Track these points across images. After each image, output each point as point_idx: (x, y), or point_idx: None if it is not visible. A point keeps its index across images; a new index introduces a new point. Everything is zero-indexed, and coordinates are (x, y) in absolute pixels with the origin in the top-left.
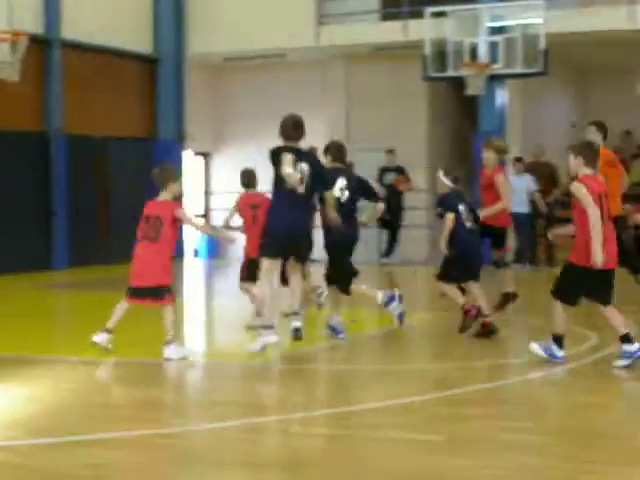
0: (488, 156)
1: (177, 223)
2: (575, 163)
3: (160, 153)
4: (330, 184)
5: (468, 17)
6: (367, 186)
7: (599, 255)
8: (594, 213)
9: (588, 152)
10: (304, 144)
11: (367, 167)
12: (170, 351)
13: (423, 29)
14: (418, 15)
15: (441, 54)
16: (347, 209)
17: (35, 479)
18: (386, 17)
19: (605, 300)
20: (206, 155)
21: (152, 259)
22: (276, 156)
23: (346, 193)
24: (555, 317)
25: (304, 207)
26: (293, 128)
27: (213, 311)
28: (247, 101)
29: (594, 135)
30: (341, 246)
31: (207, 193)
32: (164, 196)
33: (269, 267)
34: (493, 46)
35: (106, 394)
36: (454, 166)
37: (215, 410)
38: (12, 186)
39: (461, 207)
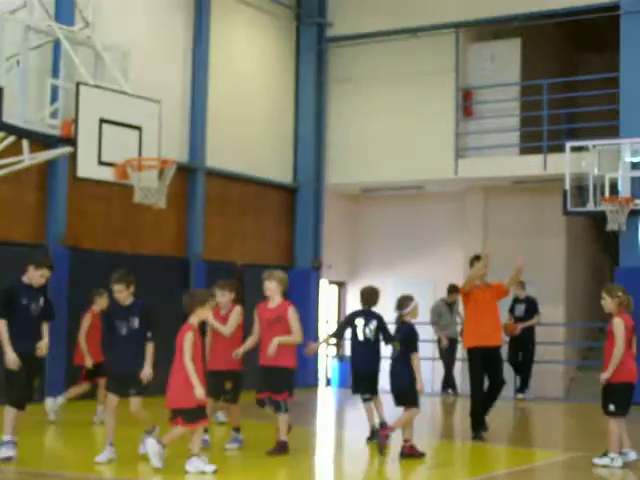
0: (270, 286)
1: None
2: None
3: (297, 281)
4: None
5: (609, 152)
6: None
7: None
8: None
9: None
10: None
11: (503, 299)
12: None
13: (563, 163)
14: (558, 149)
15: (581, 188)
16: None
17: None
18: (525, 151)
19: None
20: (341, 284)
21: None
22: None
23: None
24: None
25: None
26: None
27: (343, 441)
28: (383, 231)
29: None
30: None
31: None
32: (191, 321)
33: None
34: (634, 181)
35: None
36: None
37: None
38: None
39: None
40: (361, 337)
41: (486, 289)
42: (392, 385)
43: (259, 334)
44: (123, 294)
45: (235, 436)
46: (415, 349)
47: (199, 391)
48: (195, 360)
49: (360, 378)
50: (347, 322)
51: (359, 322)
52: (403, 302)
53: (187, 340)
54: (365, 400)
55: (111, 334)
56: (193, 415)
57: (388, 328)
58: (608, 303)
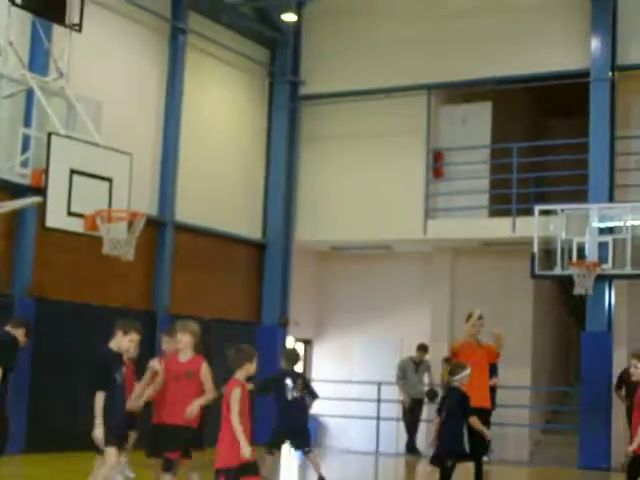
0: (183, 339)
1: None
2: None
3: (263, 337)
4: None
5: (577, 216)
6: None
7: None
8: None
9: None
10: None
11: None
12: None
13: (531, 226)
14: (526, 212)
15: (548, 252)
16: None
17: None
18: (494, 213)
19: None
20: (307, 342)
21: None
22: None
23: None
24: None
25: None
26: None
27: None
28: (351, 289)
29: None
30: None
31: None
32: (238, 376)
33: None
34: (602, 246)
35: None
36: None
37: None
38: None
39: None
40: (290, 397)
41: (477, 349)
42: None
43: (160, 388)
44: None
45: None
46: (471, 413)
47: (245, 450)
48: (243, 416)
49: (299, 433)
50: (276, 380)
51: (288, 382)
52: (456, 370)
53: (234, 397)
54: (307, 453)
55: (112, 384)
56: (239, 472)
57: (311, 384)
58: None
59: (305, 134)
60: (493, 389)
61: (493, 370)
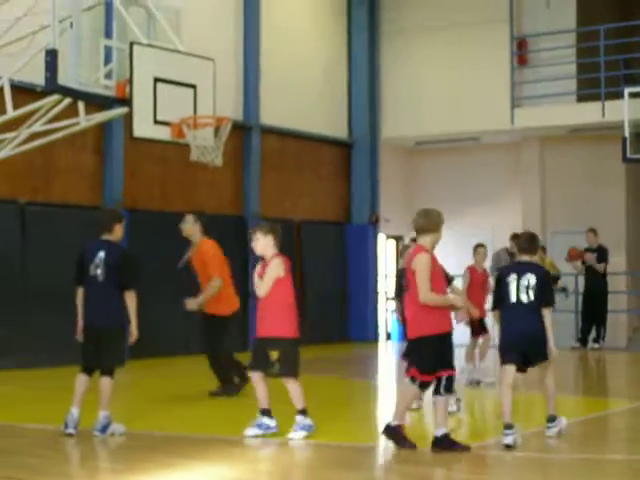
0: None
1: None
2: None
3: (354, 236)
4: None
5: None
6: None
7: None
8: None
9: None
10: None
11: (563, 249)
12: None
13: (621, 110)
14: (616, 96)
15: None
16: None
17: None
18: (582, 98)
19: None
20: (398, 238)
21: None
22: None
23: None
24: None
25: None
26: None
27: None
28: (440, 184)
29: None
30: None
31: (398, 277)
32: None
33: None
34: None
35: (304, 476)
36: None
37: None
38: None
39: None
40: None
41: None
42: None
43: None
44: None
45: (301, 422)
46: None
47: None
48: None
49: None
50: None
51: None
52: None
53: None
54: None
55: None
56: None
57: None
58: None
59: (386, 28)
60: (604, 278)
61: (604, 256)
